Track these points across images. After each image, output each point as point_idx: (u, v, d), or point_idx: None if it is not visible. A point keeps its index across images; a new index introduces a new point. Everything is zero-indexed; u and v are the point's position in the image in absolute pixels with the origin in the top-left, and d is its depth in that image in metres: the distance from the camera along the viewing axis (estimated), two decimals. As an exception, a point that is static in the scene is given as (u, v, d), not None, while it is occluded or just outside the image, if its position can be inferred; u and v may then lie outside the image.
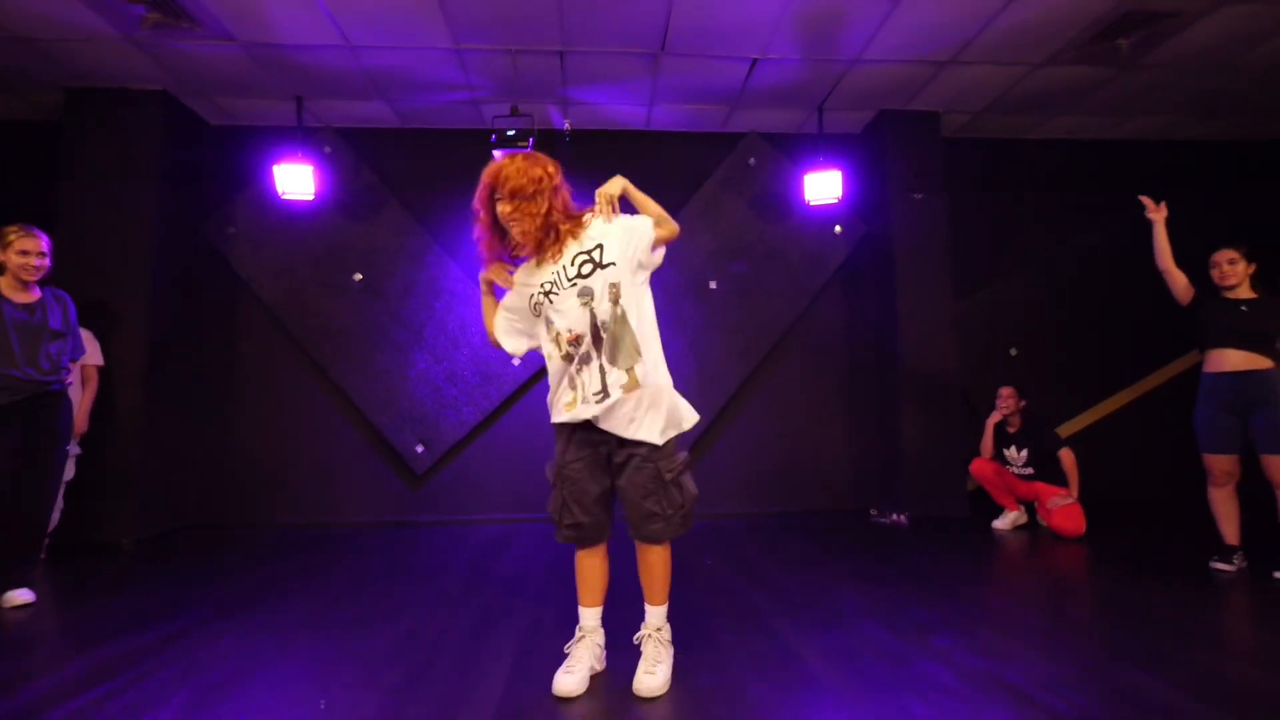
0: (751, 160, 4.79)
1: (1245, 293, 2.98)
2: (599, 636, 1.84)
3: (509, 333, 1.88)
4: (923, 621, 2.26)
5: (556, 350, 1.73)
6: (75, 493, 3.62)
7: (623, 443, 1.72)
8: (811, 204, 4.48)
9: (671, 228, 1.78)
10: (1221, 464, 2.97)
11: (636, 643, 1.83)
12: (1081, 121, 4.82)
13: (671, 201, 4.56)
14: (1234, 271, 2.97)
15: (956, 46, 3.78)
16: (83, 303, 2.98)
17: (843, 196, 4.45)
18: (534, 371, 4.54)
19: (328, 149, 4.54)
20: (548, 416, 1.83)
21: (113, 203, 4.01)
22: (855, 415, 4.80)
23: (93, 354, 3.48)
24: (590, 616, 1.83)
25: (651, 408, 1.71)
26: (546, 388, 1.83)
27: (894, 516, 4.31)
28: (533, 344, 1.86)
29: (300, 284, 4.50)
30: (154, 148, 4.10)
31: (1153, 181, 4.87)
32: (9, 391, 2.53)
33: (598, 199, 1.77)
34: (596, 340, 1.68)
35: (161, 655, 2.02)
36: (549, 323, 1.74)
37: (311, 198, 4.21)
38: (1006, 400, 4.03)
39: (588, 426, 1.73)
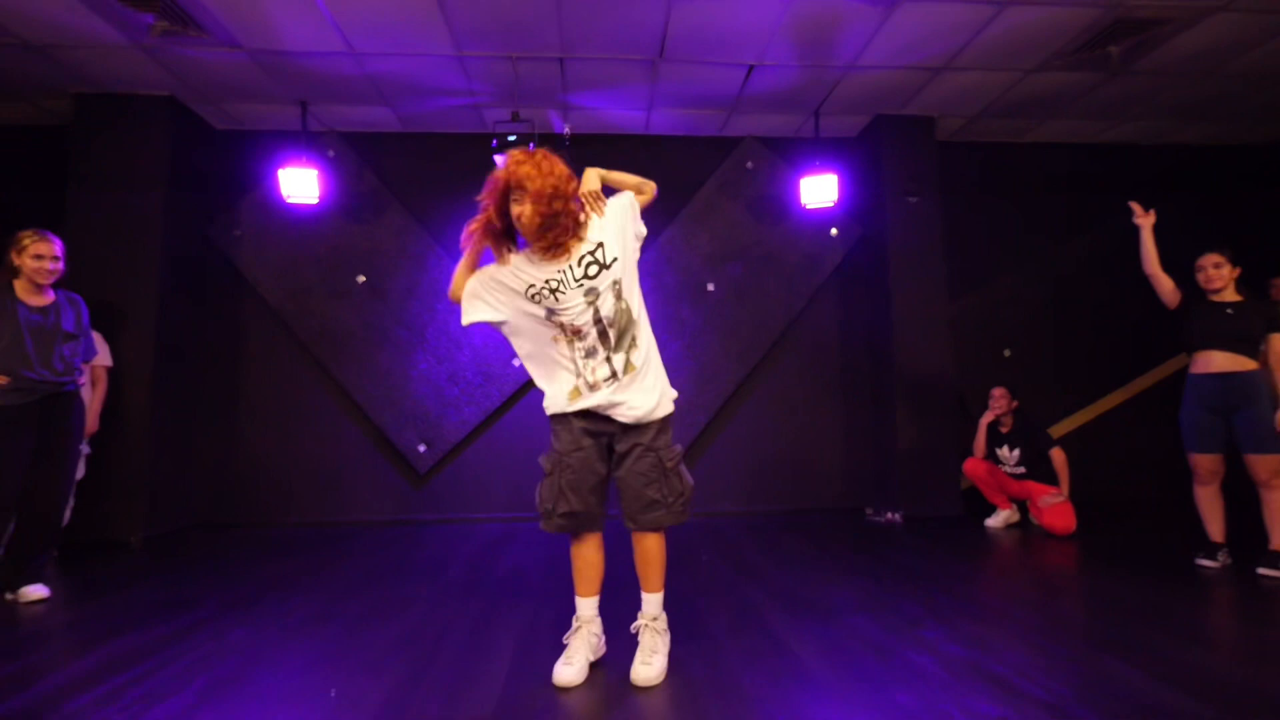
0: (749, 164, 4.86)
1: (1230, 296, 3.05)
2: (596, 626, 1.90)
3: (475, 298, 1.83)
4: (911, 615, 2.34)
5: (562, 335, 1.78)
6: (85, 491, 3.69)
7: (625, 431, 1.80)
8: (808, 207, 4.55)
9: (650, 190, 1.92)
10: (1206, 463, 3.04)
11: (634, 632, 1.90)
12: (1074, 126, 4.89)
13: (669, 204, 4.70)
14: (1219, 275, 3.04)
15: (950, 53, 3.85)
16: (91, 304, 3.04)
17: (839, 200, 4.52)
18: (534, 372, 4.61)
19: (331, 153, 4.61)
20: (547, 416, 1.89)
21: (120, 206, 4.08)
22: (851, 415, 4.87)
23: (102, 355, 3.56)
24: (587, 606, 1.89)
25: (650, 389, 1.81)
26: None
27: (889, 515, 4.38)
28: (488, 320, 1.84)
29: (304, 286, 4.58)
30: (161, 152, 4.17)
31: (1144, 185, 4.97)
32: (24, 392, 2.60)
33: (584, 200, 1.80)
34: (602, 334, 1.76)
35: (176, 647, 2.09)
36: (550, 313, 1.78)
37: (316, 201, 4.28)
38: (999, 401, 4.10)
39: (590, 416, 1.80)
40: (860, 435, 4.83)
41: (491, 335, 4.64)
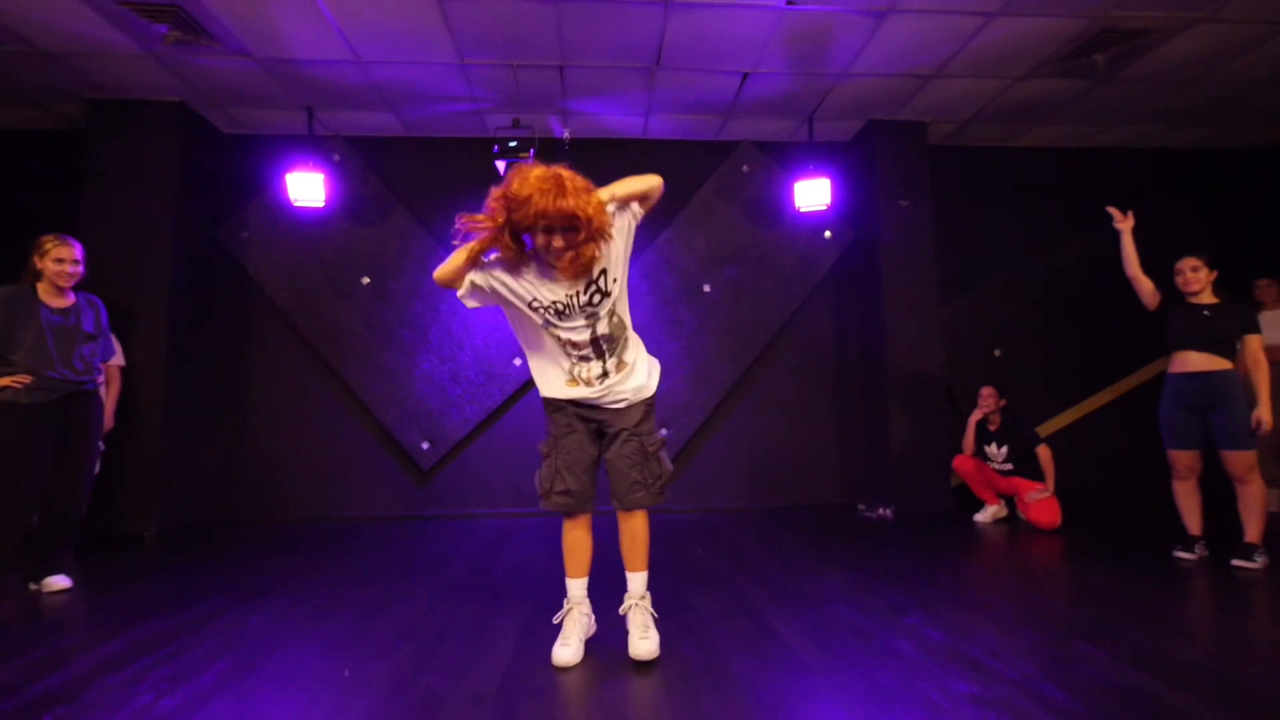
0: (745, 168, 4.97)
1: (1208, 298, 3.15)
2: (586, 606, 2.02)
3: (474, 290, 1.84)
4: (895, 604, 2.45)
5: (557, 343, 1.89)
6: (99, 487, 3.77)
7: (615, 416, 1.94)
8: (802, 210, 4.66)
9: (656, 190, 1.86)
10: (1184, 459, 3.15)
11: (622, 614, 2.01)
12: (1063, 130, 5.00)
13: (667, 208, 4.81)
14: (1197, 278, 3.15)
15: (939, 61, 3.96)
16: (104, 304, 3.15)
17: (832, 203, 4.63)
18: (535, 371, 4.73)
19: (336, 157, 4.72)
20: (541, 398, 2.01)
21: (132, 209, 4.19)
22: (844, 414, 4.98)
23: (116, 354, 3.66)
24: (577, 587, 2.01)
25: (638, 375, 1.95)
26: None
27: (880, 511, 4.50)
28: (484, 305, 1.89)
29: (311, 287, 4.69)
30: (171, 156, 4.29)
31: (1133, 188, 5.07)
32: (46, 391, 2.71)
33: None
34: (596, 346, 1.88)
35: (196, 633, 2.20)
36: (548, 324, 1.87)
37: (322, 205, 4.39)
38: (987, 400, 4.21)
39: (582, 403, 1.94)
40: (853, 433, 4.94)
41: (493, 335, 4.76)
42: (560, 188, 1.66)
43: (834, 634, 2.14)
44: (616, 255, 1.86)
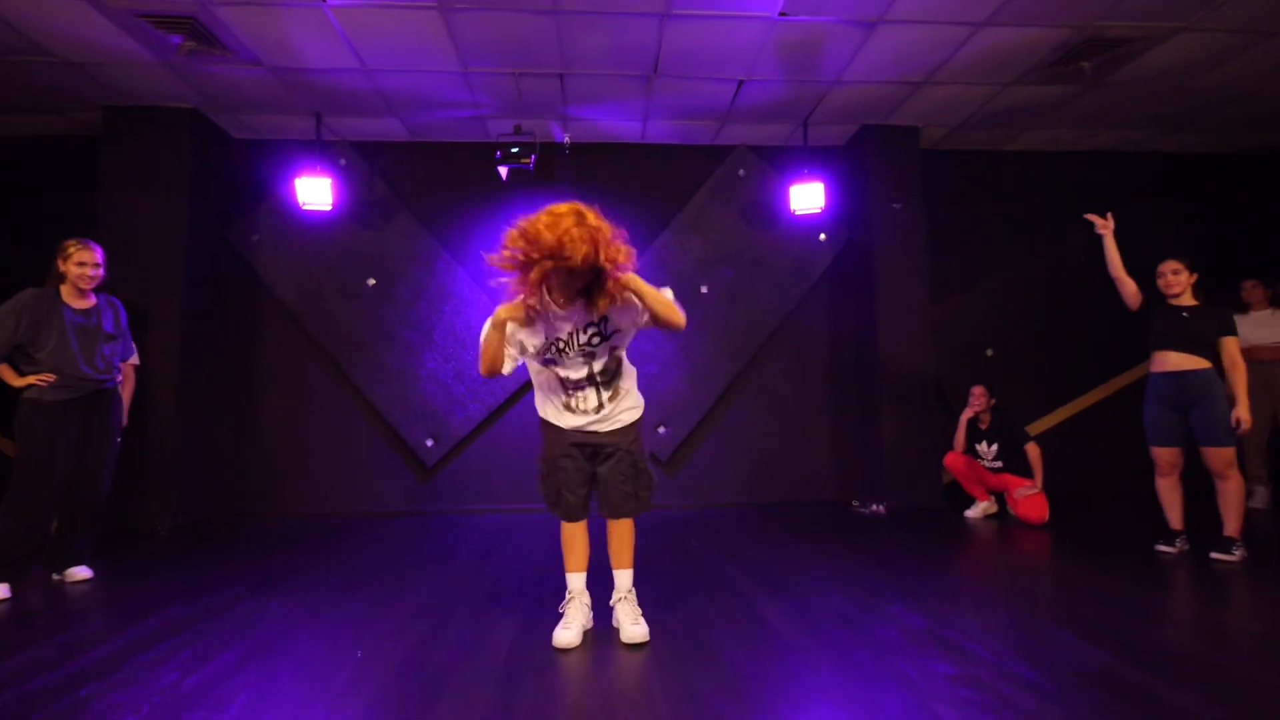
0: (741, 171, 5.08)
1: (1188, 300, 3.26)
2: (586, 598, 2.16)
3: (510, 359, 1.99)
4: (881, 593, 2.56)
5: (555, 378, 2.06)
6: (114, 482, 3.91)
7: (607, 438, 2.09)
8: (797, 213, 4.76)
9: (670, 325, 1.94)
10: (1165, 455, 3.25)
11: (612, 605, 2.16)
12: (1053, 134, 5.10)
13: (664, 211, 4.93)
14: (1177, 281, 3.25)
15: (929, 69, 4.07)
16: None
17: (826, 206, 4.73)
18: (537, 370, 4.85)
19: (343, 161, 4.84)
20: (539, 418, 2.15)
21: (146, 212, 4.31)
22: (838, 413, 5.09)
23: (133, 354, 3.78)
24: (577, 580, 2.15)
25: (629, 401, 2.12)
26: None
27: (874, 507, 4.60)
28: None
29: (318, 288, 4.81)
30: (183, 161, 4.41)
31: (1123, 191, 5.16)
32: (69, 389, 2.84)
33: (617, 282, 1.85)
34: (592, 381, 2.05)
35: (216, 619, 2.32)
36: (548, 362, 2.04)
37: (329, 208, 4.51)
38: (978, 398, 4.32)
39: (579, 429, 2.09)
40: (847, 431, 5.05)
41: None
42: (585, 242, 1.70)
43: (819, 619, 2.26)
44: (624, 319, 1.98)
